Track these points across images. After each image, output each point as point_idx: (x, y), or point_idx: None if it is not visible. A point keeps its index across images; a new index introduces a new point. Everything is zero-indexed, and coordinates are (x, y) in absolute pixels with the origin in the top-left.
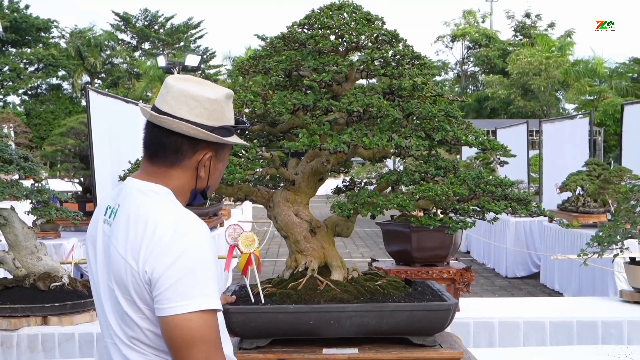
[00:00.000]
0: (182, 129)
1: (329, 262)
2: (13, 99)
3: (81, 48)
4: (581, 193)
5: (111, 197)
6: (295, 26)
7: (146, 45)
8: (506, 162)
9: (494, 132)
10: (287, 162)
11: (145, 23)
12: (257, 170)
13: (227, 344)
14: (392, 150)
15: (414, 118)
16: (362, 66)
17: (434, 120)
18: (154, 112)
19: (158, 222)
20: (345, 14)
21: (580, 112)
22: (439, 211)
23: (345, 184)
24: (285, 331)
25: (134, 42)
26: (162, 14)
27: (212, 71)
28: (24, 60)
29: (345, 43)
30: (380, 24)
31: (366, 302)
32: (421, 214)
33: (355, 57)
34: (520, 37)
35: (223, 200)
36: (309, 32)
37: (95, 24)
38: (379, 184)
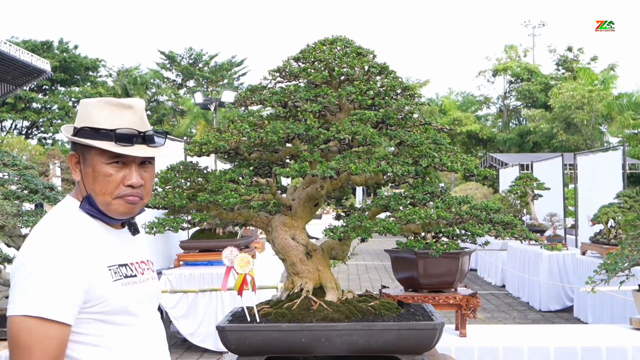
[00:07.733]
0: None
1: (324, 283)
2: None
3: (127, 86)
4: (613, 225)
5: None
6: (290, 60)
7: (191, 83)
8: (540, 195)
9: (531, 166)
10: (286, 189)
11: (190, 61)
12: (253, 195)
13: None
14: (384, 178)
15: (405, 146)
16: (352, 97)
17: (421, 147)
18: None
19: (32, 231)
20: (338, 48)
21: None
22: (430, 235)
23: (345, 210)
24: (279, 349)
25: (179, 80)
26: (206, 53)
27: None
28: (73, 99)
29: (337, 75)
30: (371, 57)
31: (357, 321)
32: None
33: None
34: (563, 70)
35: (258, 233)
36: (303, 66)
37: (141, 63)
38: (370, 209)
